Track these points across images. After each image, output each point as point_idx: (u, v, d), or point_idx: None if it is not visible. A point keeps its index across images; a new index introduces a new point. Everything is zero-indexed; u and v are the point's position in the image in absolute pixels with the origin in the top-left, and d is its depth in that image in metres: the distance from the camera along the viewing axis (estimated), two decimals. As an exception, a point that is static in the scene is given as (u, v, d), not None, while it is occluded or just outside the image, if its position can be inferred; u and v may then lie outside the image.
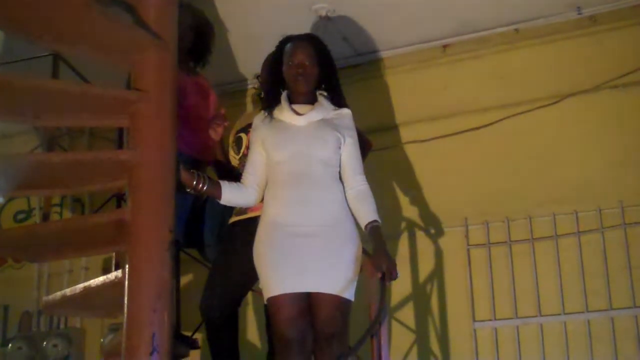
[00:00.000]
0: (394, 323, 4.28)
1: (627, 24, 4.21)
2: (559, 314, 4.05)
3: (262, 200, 3.26)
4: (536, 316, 4.09)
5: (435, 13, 4.32)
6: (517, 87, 4.39)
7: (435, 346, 4.26)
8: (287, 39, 3.20)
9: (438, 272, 4.35)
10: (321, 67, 3.15)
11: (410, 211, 4.48)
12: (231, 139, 3.69)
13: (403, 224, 4.48)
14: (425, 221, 4.44)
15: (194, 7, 3.84)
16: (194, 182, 2.96)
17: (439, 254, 4.38)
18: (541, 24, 4.39)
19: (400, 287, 4.26)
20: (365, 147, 3.46)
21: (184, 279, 4.18)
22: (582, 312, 4.00)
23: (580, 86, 4.22)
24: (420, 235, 4.44)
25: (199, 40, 3.80)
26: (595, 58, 4.26)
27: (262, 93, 3.65)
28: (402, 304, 4.32)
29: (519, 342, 4.09)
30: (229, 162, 3.65)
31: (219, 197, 3.07)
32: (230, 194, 3.08)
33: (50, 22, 2.65)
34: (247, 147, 3.48)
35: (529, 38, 4.43)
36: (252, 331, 4.51)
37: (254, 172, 3.13)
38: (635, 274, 3.94)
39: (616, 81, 4.13)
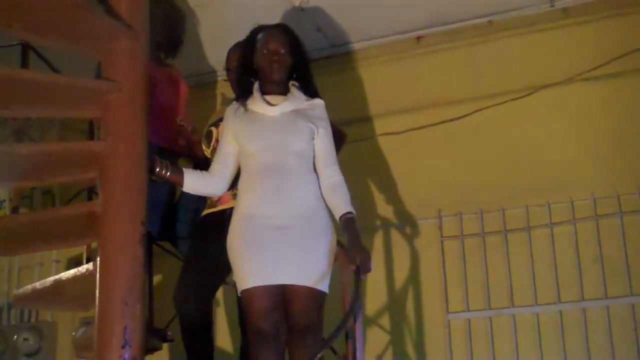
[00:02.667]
0: (367, 315, 4.28)
1: (599, 16, 4.23)
2: (532, 305, 4.07)
3: (231, 192, 3.26)
4: (509, 307, 4.12)
5: (409, 4, 4.31)
6: (491, 79, 4.40)
7: (409, 337, 4.27)
8: (260, 28, 3.19)
9: (412, 264, 4.36)
10: (294, 57, 3.13)
11: (384, 203, 4.48)
12: (203, 132, 3.68)
13: (377, 216, 4.48)
14: (399, 213, 4.45)
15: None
16: (157, 169, 2.94)
17: (412, 246, 4.39)
18: (514, 16, 4.40)
19: (374, 279, 4.26)
20: (339, 139, 3.45)
21: (157, 272, 4.15)
22: (555, 303, 4.03)
23: (553, 78, 4.24)
24: (394, 227, 4.44)
25: (169, 31, 3.77)
26: (568, 50, 4.28)
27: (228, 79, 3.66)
28: (375, 295, 4.32)
29: (492, 333, 4.11)
30: (206, 158, 3.62)
31: (181, 184, 3.05)
32: (193, 182, 3.07)
33: (20, 10, 2.61)
34: (217, 141, 3.47)
35: (502, 30, 4.44)
36: (222, 324, 4.49)
37: (222, 161, 3.12)
38: (606, 265, 3.97)
39: (589, 73, 4.15)
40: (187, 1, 4.12)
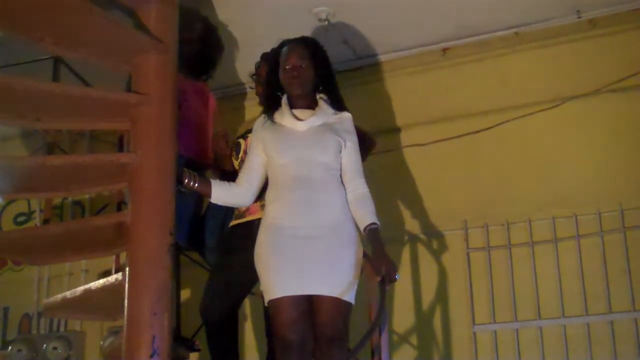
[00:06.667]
0: (394, 327, 4.28)
1: (626, 27, 4.22)
2: (559, 317, 4.05)
3: (259, 203, 3.28)
4: (536, 319, 4.09)
5: (435, 17, 4.32)
6: (517, 91, 4.40)
7: (435, 349, 4.26)
8: (283, 43, 3.22)
9: (438, 276, 4.35)
10: (317, 68, 3.15)
11: (410, 215, 4.48)
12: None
13: (403, 228, 4.48)
14: (425, 224, 4.44)
15: (207, 19, 3.85)
16: (185, 180, 2.98)
17: (438, 257, 4.38)
18: (541, 28, 4.40)
19: (401, 290, 4.27)
20: (368, 145, 3.48)
21: (184, 282, 4.18)
22: (582, 316, 4.00)
23: (580, 90, 4.22)
24: (420, 239, 4.44)
25: (205, 50, 3.81)
26: (594, 61, 4.26)
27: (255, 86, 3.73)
28: (402, 308, 4.32)
29: (518, 345, 4.09)
30: (234, 170, 3.65)
31: (209, 195, 3.10)
32: (221, 193, 3.11)
33: (52, 25, 2.66)
34: (245, 152, 3.50)
35: (528, 41, 4.44)
36: (249, 335, 4.51)
37: (250, 173, 3.15)
38: (634, 277, 3.94)
39: (616, 85, 4.13)
40: (216, 15, 4.17)
